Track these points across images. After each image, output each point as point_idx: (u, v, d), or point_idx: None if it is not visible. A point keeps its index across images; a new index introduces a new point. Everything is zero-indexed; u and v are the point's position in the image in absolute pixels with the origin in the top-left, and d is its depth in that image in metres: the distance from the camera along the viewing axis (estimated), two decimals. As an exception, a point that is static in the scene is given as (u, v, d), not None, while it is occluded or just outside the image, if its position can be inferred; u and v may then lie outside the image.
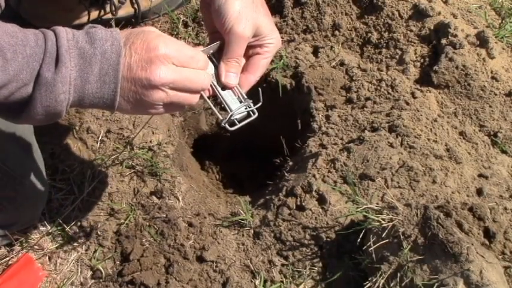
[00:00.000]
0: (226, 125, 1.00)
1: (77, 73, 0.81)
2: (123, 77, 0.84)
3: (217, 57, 1.02)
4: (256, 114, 1.02)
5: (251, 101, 1.02)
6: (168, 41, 0.86)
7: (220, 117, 1.00)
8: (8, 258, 1.30)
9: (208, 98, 1.01)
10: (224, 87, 1.01)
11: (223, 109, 1.01)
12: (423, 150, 1.34)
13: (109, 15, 1.57)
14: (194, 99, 0.92)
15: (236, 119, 1.01)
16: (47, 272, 1.28)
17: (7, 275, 1.24)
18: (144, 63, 0.84)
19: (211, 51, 1.02)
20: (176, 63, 0.86)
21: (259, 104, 1.03)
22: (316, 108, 1.49)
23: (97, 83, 0.82)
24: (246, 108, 1.01)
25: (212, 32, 1.03)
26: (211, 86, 1.01)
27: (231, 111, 1.00)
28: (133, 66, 0.83)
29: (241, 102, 1.01)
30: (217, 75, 1.01)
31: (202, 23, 1.64)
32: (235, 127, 1.00)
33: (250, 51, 1.02)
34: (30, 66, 0.78)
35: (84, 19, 1.55)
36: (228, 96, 1.01)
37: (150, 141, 1.44)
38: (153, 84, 0.85)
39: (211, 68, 1.02)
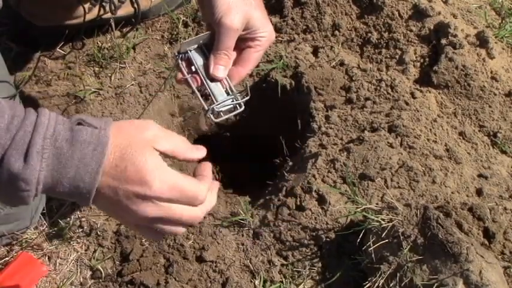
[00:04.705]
0: (211, 116, 1.00)
1: (49, 173, 0.72)
2: (104, 194, 0.75)
3: (209, 49, 1.02)
4: (243, 107, 1.03)
5: (239, 94, 1.02)
6: (164, 177, 0.76)
7: (206, 107, 1.00)
8: (7, 258, 1.30)
9: (198, 90, 1.01)
10: (213, 79, 1.02)
11: (212, 101, 1.02)
12: (423, 150, 1.34)
13: (108, 15, 1.57)
14: (179, 231, 0.82)
15: (221, 110, 1.01)
16: (47, 268, 1.28)
17: (8, 272, 1.24)
18: (132, 196, 0.75)
19: (201, 41, 1.03)
20: (168, 201, 0.77)
21: (247, 98, 1.03)
22: (316, 109, 1.49)
23: (70, 186, 0.73)
24: (232, 101, 1.02)
25: (208, 24, 1.04)
26: (200, 77, 1.02)
27: (216, 101, 1.00)
28: (120, 193, 0.74)
29: (228, 95, 1.02)
30: (206, 67, 1.01)
31: (203, 22, 1.64)
32: (220, 119, 1.01)
33: (242, 45, 1.03)
34: None
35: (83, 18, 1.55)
36: (216, 88, 1.02)
37: (150, 141, 1.43)
38: (134, 220, 0.77)
39: (200, 59, 1.03)
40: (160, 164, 0.76)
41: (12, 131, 0.71)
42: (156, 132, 0.79)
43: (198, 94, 1.01)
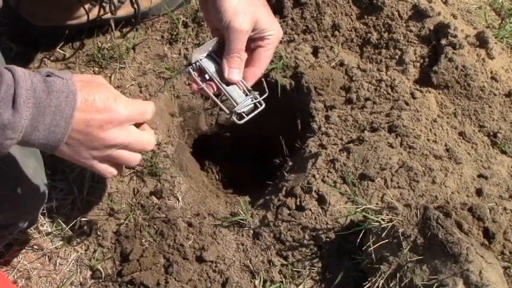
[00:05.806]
0: (235, 119, 1.01)
1: (29, 121, 0.81)
2: (75, 129, 0.85)
3: (219, 54, 1.02)
4: (263, 105, 1.04)
5: (257, 92, 1.03)
6: (123, 101, 0.90)
7: (227, 111, 1.01)
8: (6, 258, 1.30)
9: (215, 95, 1.02)
10: (228, 83, 1.02)
11: (232, 105, 1.03)
12: (423, 150, 1.34)
13: (108, 15, 1.57)
14: (136, 160, 0.96)
15: (244, 111, 1.02)
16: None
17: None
18: (103, 123, 0.87)
19: (210, 48, 1.03)
20: (130, 120, 0.91)
21: (266, 95, 1.04)
22: (315, 109, 1.49)
23: (45, 131, 0.83)
24: (252, 100, 1.03)
25: (214, 29, 1.04)
26: (215, 83, 1.02)
27: (237, 104, 1.01)
28: (92, 124, 0.86)
29: (247, 95, 1.03)
30: (220, 72, 1.02)
31: (203, 23, 1.64)
32: (244, 120, 1.02)
33: (252, 45, 1.03)
34: None
35: (84, 18, 1.55)
36: (233, 92, 1.03)
37: (150, 141, 1.44)
38: (100, 151, 0.90)
39: (211, 66, 1.03)
40: (116, 93, 0.91)
41: None
42: (103, 80, 0.92)
43: (217, 100, 1.02)
